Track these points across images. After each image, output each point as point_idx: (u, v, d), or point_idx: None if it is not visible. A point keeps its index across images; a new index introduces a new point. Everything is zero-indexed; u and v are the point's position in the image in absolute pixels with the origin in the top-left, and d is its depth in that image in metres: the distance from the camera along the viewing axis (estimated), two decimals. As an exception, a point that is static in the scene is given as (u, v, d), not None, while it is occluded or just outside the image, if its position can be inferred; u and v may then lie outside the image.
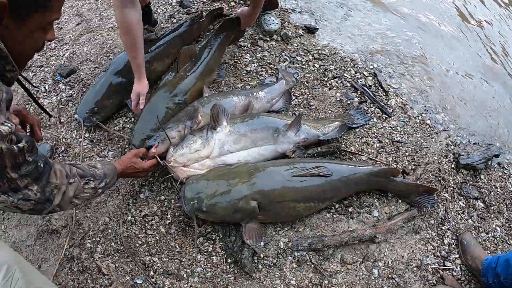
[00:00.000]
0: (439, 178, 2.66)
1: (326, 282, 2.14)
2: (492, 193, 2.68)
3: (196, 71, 2.83)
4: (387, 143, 2.78)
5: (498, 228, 2.54)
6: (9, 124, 1.23)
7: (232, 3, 3.75)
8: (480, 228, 2.52)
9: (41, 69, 3.23)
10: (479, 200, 2.63)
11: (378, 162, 2.64)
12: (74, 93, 3.01)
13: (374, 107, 2.99)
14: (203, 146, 2.30)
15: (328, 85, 3.11)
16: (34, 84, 1.73)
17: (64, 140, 2.74)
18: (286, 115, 2.81)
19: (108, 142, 2.72)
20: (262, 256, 2.18)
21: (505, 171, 2.83)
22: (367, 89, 3.08)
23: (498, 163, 2.85)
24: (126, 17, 2.35)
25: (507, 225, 2.57)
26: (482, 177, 2.74)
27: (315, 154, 2.56)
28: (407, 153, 2.75)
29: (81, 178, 1.66)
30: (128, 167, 2.07)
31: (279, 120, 2.53)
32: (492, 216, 2.60)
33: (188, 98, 2.73)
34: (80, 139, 2.71)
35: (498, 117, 3.27)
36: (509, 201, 2.67)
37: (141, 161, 2.15)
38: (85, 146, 2.68)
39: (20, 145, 1.29)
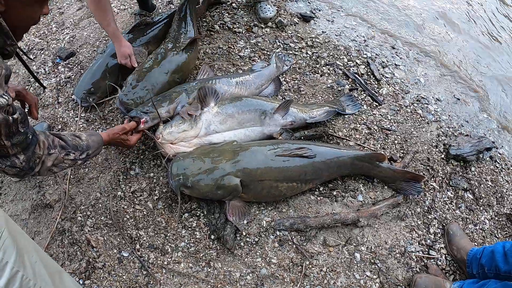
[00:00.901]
0: (428, 167, 2.66)
1: (307, 263, 2.17)
2: (482, 185, 2.66)
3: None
4: (376, 130, 2.79)
5: (487, 221, 2.53)
6: (6, 97, 1.32)
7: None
8: (468, 220, 2.51)
9: (41, 52, 3.30)
10: (468, 192, 2.62)
11: (365, 148, 2.65)
12: (72, 75, 3.07)
13: (365, 95, 3.00)
14: (190, 127, 2.34)
15: (319, 72, 3.13)
16: (29, 56, 1.81)
17: (61, 119, 2.80)
18: (276, 99, 2.82)
19: (103, 121, 2.76)
20: (244, 233, 2.21)
21: (497, 165, 2.81)
22: (358, 77, 3.09)
23: (490, 157, 2.83)
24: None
25: (496, 218, 2.56)
26: (473, 169, 2.73)
27: (302, 138, 2.56)
28: (396, 141, 2.75)
29: (62, 149, 1.74)
30: (116, 142, 2.15)
31: (267, 103, 2.55)
32: (481, 208, 2.58)
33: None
34: (76, 118, 2.76)
35: (494, 113, 3.26)
36: (499, 194, 2.65)
37: (128, 138, 2.20)
38: (81, 125, 2.72)
39: (15, 116, 1.38)
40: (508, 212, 2.59)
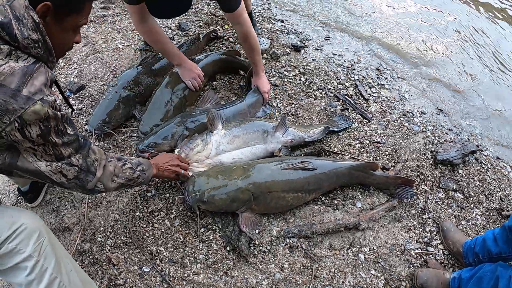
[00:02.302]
0: (418, 173, 2.81)
1: (316, 265, 2.30)
2: (470, 185, 2.81)
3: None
4: (368, 144, 2.96)
5: (479, 217, 2.67)
6: (53, 95, 1.44)
7: (226, 26, 4.01)
8: (460, 217, 2.65)
9: None
10: (458, 192, 2.77)
11: (360, 160, 2.81)
12: (84, 107, 3.21)
13: (355, 114, 3.18)
14: (203, 148, 2.52)
15: (313, 96, 3.32)
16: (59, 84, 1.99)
17: None
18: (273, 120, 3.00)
19: (117, 149, 2.90)
20: (257, 243, 2.35)
21: (483, 165, 2.97)
22: (348, 98, 3.28)
23: (476, 159, 2.99)
24: (146, 29, 2.79)
25: (487, 213, 2.70)
26: (460, 171, 2.88)
27: (302, 155, 2.75)
28: (387, 152, 2.92)
29: (118, 160, 1.85)
30: (163, 162, 2.29)
31: (268, 123, 2.75)
32: (472, 206, 2.72)
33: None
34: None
35: (475, 119, 3.48)
36: (488, 192, 2.80)
37: (174, 156, 2.36)
38: None
39: (62, 113, 1.49)
40: (497, 207, 2.72)
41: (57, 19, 1.47)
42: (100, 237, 2.39)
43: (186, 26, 4.00)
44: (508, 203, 2.76)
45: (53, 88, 1.57)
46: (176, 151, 2.44)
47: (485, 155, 3.07)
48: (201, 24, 4.10)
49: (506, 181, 2.91)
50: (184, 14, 4.22)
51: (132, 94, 3.06)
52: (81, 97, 3.30)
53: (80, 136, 1.63)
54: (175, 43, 3.81)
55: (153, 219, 2.49)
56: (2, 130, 1.36)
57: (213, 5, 4.40)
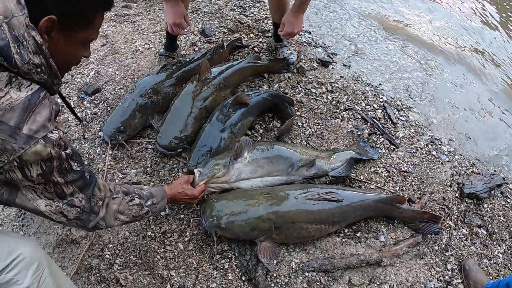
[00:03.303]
0: (444, 207, 2.74)
1: (335, 302, 2.22)
2: (494, 221, 2.74)
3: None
4: (394, 172, 2.88)
5: (500, 255, 2.60)
6: (57, 131, 1.33)
7: (251, 35, 3.92)
8: (482, 255, 2.57)
9: (66, 85, 3.39)
10: (482, 228, 2.70)
11: (385, 190, 2.74)
12: (98, 111, 3.14)
13: (383, 139, 3.09)
14: (223, 174, 2.41)
15: (340, 116, 3.24)
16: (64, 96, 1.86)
17: (87, 155, 2.85)
18: (302, 145, 2.93)
19: (131, 160, 2.83)
20: (275, 275, 2.26)
21: (508, 200, 2.89)
22: (376, 121, 3.20)
23: (501, 192, 2.91)
24: None
25: (509, 252, 2.63)
26: (485, 205, 2.81)
27: (327, 182, 2.68)
28: (413, 183, 2.84)
29: (125, 195, 1.73)
30: (180, 194, 2.13)
31: (295, 154, 2.63)
32: (495, 243, 2.65)
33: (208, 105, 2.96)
34: (103, 155, 2.83)
35: (502, 149, 3.39)
36: (511, 228, 2.73)
37: (191, 188, 2.21)
38: (108, 163, 2.78)
39: (68, 151, 1.38)
40: None
41: (63, 33, 1.34)
42: (108, 254, 2.32)
43: (210, 31, 3.92)
44: None
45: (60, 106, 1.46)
46: (196, 174, 2.33)
47: (510, 188, 2.99)
48: (225, 30, 4.01)
49: None
50: (208, 19, 4.14)
51: (150, 102, 2.97)
52: (97, 101, 3.24)
53: (86, 172, 1.52)
54: (197, 48, 3.73)
55: (165, 240, 2.41)
56: (0, 168, 1.26)
57: (239, 11, 4.32)
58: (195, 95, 2.94)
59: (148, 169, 2.77)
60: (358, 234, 2.51)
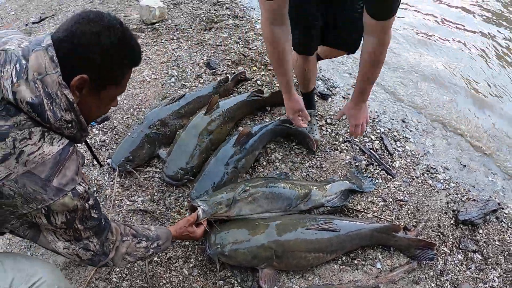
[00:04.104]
0: (439, 234, 2.85)
1: (333, 327, 2.36)
2: (490, 246, 2.83)
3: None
4: (391, 201, 3.02)
5: (496, 279, 2.67)
6: (83, 184, 1.44)
7: (254, 68, 4.12)
8: (478, 279, 2.66)
9: None
10: (477, 253, 2.79)
11: (382, 219, 2.87)
12: (107, 139, 3.32)
13: (380, 169, 3.25)
14: (224, 211, 2.55)
15: (339, 148, 3.39)
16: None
17: (96, 181, 3.01)
18: (299, 179, 3.09)
19: (138, 188, 2.99)
20: (275, 300, 2.41)
21: (503, 225, 2.99)
22: (374, 152, 3.35)
23: (496, 217, 3.02)
24: (272, 34, 2.36)
25: (504, 275, 2.70)
26: (480, 231, 2.90)
27: (325, 212, 2.83)
28: (409, 211, 2.97)
29: (134, 238, 1.83)
30: (184, 235, 2.26)
31: (293, 192, 2.77)
32: (490, 267, 2.72)
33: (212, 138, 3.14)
34: (111, 182, 2.99)
35: (497, 174, 3.52)
36: (506, 252, 2.82)
37: (195, 230, 2.32)
38: (116, 190, 2.93)
39: (90, 202, 1.50)
40: None
41: (94, 90, 1.45)
42: (115, 277, 2.46)
43: (215, 64, 4.13)
44: None
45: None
46: (200, 212, 2.45)
47: (506, 213, 3.09)
48: (229, 63, 4.22)
49: None
50: (213, 51, 4.35)
51: (158, 134, 3.17)
52: (105, 128, 3.42)
53: (102, 218, 1.63)
54: (202, 81, 3.93)
55: (171, 266, 2.56)
56: (28, 213, 1.36)
57: (242, 44, 4.55)
58: (201, 128, 3.12)
59: (155, 197, 2.92)
60: (355, 261, 2.63)
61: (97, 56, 1.37)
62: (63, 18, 5.68)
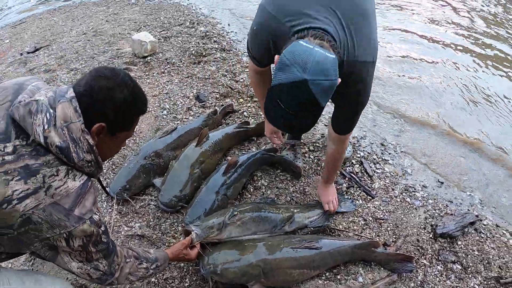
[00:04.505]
0: (418, 247, 3.01)
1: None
2: (469, 256, 2.99)
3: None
4: (371, 220, 3.22)
5: (477, 286, 2.83)
6: (98, 214, 1.69)
7: (241, 100, 4.38)
8: (458, 287, 2.82)
9: None
10: (457, 263, 2.95)
11: (363, 237, 3.07)
12: (104, 169, 3.55)
13: (360, 191, 3.47)
14: (216, 234, 2.78)
15: (320, 173, 3.60)
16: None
17: None
18: (284, 203, 3.32)
19: (135, 214, 3.21)
20: (264, 315, 2.61)
21: (482, 235, 3.15)
22: (354, 175, 3.59)
23: (475, 229, 3.19)
24: (257, 79, 2.87)
25: (485, 282, 2.85)
26: (459, 243, 3.07)
27: (309, 232, 3.06)
28: (388, 228, 3.16)
29: (136, 259, 2.04)
30: (179, 258, 2.49)
31: (278, 215, 3.01)
32: (470, 276, 2.88)
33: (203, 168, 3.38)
34: (110, 210, 3.21)
35: (475, 188, 3.73)
36: (486, 261, 2.97)
37: (189, 252, 2.55)
38: (115, 217, 3.16)
39: (102, 228, 1.73)
40: (496, 275, 2.88)
41: (109, 135, 1.72)
42: None
43: (204, 97, 4.40)
44: (507, 270, 2.92)
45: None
46: (193, 236, 2.66)
47: (484, 224, 3.26)
48: (217, 96, 4.48)
49: (505, 248, 3.09)
50: (202, 84, 4.63)
51: (153, 165, 3.42)
52: (102, 160, 3.65)
53: (110, 242, 1.85)
54: (193, 113, 4.19)
55: (167, 285, 2.76)
56: (50, 237, 1.58)
57: (229, 77, 4.82)
58: (192, 159, 3.38)
59: (151, 223, 3.15)
60: (339, 276, 2.83)
61: (111, 111, 1.65)
62: (58, 49, 6.02)
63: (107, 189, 3.26)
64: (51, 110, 1.56)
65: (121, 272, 1.96)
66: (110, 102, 1.64)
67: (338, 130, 2.67)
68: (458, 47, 6.11)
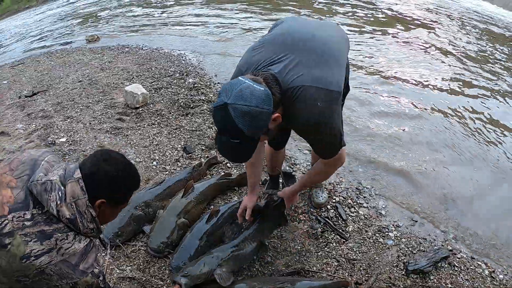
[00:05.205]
0: (390, 284, 3.18)
1: None
2: None
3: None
4: (344, 261, 3.46)
5: None
6: (98, 268, 2.05)
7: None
8: None
9: None
10: None
11: (336, 277, 3.30)
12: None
13: (334, 234, 3.72)
14: (204, 279, 3.12)
15: (297, 219, 3.90)
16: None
17: None
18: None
19: (127, 258, 3.52)
20: None
21: (456, 269, 3.33)
22: (328, 220, 3.85)
23: (449, 263, 3.36)
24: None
25: None
26: (432, 277, 3.24)
27: (284, 274, 3.31)
28: (361, 268, 3.39)
29: None
30: None
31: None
32: None
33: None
34: (103, 254, 3.51)
35: (449, 223, 3.99)
36: None
37: None
38: (108, 260, 3.47)
39: (101, 278, 2.07)
40: None
41: (109, 207, 2.09)
42: None
43: (190, 148, 4.77)
44: None
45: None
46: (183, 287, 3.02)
47: (458, 258, 3.44)
48: (203, 148, 4.85)
49: (480, 279, 3.27)
50: (189, 136, 4.99)
51: (142, 214, 3.78)
52: (97, 208, 3.98)
53: (106, 286, 2.17)
54: (180, 164, 4.55)
55: None
56: (59, 285, 1.91)
57: (214, 129, 5.15)
58: (179, 209, 3.75)
59: (141, 267, 3.43)
60: None
61: (111, 191, 2.04)
62: (54, 95, 6.49)
63: (101, 237, 3.63)
64: (62, 188, 1.93)
65: None
66: (110, 184, 2.03)
67: (323, 157, 2.76)
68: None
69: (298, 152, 4.96)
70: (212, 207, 4.00)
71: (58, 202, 1.90)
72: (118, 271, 3.40)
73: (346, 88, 3.00)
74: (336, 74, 2.37)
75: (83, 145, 5.01)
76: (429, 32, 9.57)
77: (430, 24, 10.28)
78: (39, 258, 1.84)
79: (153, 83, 6.70)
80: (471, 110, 6.17)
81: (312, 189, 4.04)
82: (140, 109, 5.85)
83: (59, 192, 1.92)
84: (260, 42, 2.58)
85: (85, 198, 1.95)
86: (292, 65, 2.29)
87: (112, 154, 2.10)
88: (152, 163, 4.65)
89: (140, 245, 3.68)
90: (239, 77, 2.12)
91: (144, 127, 5.43)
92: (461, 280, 3.25)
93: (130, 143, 5.03)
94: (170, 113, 5.72)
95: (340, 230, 3.81)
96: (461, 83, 6.95)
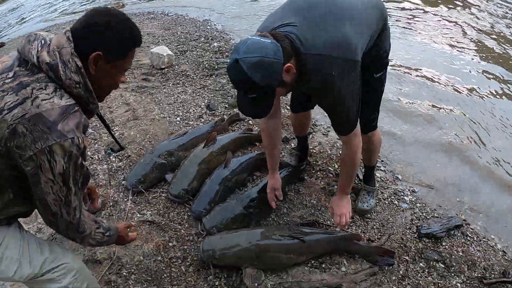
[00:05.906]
0: (402, 245, 3.24)
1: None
2: (453, 256, 3.16)
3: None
4: (358, 218, 3.55)
5: (459, 284, 2.97)
6: (81, 140, 1.71)
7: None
8: (440, 284, 2.96)
9: (95, 141, 4.35)
10: (440, 262, 3.12)
11: (348, 231, 3.39)
12: (122, 165, 4.06)
13: (350, 192, 3.64)
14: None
15: (315, 176, 3.99)
16: (106, 122, 2.51)
17: (112, 198, 3.73)
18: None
19: (148, 204, 3.69)
20: (254, 293, 2.99)
21: (468, 238, 3.35)
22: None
23: (462, 233, 3.37)
24: (267, 126, 3.05)
25: (468, 281, 2.99)
26: (444, 243, 3.27)
27: (299, 225, 3.42)
28: (374, 227, 3.47)
29: (95, 223, 2.07)
30: (123, 235, 2.46)
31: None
32: (453, 274, 3.04)
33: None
34: (125, 199, 3.69)
35: (466, 196, 4.01)
36: (470, 262, 3.13)
37: (130, 235, 2.59)
38: (130, 205, 3.64)
39: (82, 161, 1.75)
40: (479, 275, 3.03)
41: (107, 63, 1.80)
42: (125, 272, 3.08)
43: (214, 106, 4.93)
44: (492, 272, 3.07)
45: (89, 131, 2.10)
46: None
47: (472, 228, 3.48)
48: (226, 106, 4.98)
49: (492, 252, 3.28)
50: (212, 95, 5.11)
51: (165, 162, 3.94)
52: (120, 157, 4.18)
53: (85, 168, 1.89)
54: (203, 120, 4.68)
55: (171, 263, 3.18)
56: (33, 154, 1.62)
57: (237, 89, 5.29)
58: (200, 158, 3.89)
59: (161, 212, 3.61)
60: (323, 265, 3.15)
61: (106, 38, 1.77)
62: None
63: (123, 182, 3.83)
64: (47, 40, 1.75)
65: (90, 232, 2.05)
66: (104, 32, 1.76)
67: (338, 131, 2.80)
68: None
69: (319, 114, 5.01)
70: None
71: (39, 49, 1.71)
72: (138, 215, 3.59)
73: (382, 51, 2.92)
74: (349, 30, 2.40)
75: (109, 102, 5.17)
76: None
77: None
78: (12, 110, 1.61)
79: (178, 46, 6.81)
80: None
81: (361, 191, 3.76)
82: (165, 69, 5.98)
83: (42, 41, 1.74)
84: (279, 7, 2.68)
85: (71, 47, 1.72)
86: (305, 27, 2.34)
87: (109, 9, 1.85)
88: (176, 118, 4.80)
89: (161, 191, 3.85)
90: (249, 36, 2.19)
91: (169, 86, 5.57)
92: (472, 250, 3.27)
93: (155, 100, 5.19)
94: (195, 73, 5.84)
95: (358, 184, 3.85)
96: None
